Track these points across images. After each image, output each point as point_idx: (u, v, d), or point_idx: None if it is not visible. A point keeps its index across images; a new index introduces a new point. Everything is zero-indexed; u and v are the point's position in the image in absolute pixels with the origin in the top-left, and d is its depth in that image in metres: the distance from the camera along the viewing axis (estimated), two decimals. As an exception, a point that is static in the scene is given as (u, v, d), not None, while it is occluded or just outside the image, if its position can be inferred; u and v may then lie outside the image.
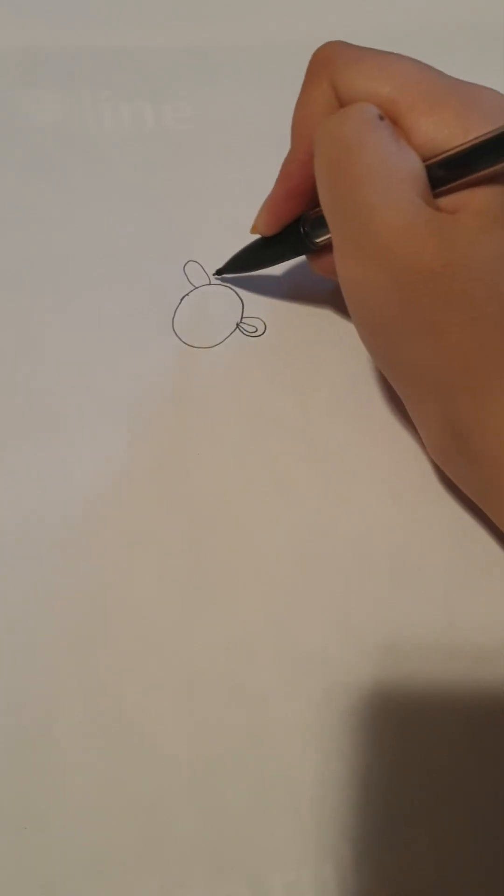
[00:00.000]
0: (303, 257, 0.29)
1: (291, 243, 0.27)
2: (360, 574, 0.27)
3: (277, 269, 0.30)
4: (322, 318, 0.31)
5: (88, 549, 0.27)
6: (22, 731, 0.25)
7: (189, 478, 0.28)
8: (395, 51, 0.24)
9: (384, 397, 0.29)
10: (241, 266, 0.30)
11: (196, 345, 0.30)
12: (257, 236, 0.29)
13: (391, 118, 0.23)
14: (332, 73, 0.24)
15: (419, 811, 0.24)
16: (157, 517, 0.27)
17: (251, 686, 0.26)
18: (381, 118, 0.22)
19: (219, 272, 0.31)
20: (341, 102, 0.24)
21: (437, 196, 0.23)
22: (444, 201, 0.23)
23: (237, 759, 0.25)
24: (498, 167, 0.21)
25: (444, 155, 0.22)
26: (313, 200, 0.26)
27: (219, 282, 0.31)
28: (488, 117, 0.22)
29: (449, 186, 0.22)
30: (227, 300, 0.31)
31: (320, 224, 0.26)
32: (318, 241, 0.27)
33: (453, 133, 0.22)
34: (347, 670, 0.26)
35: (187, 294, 0.31)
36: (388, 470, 0.28)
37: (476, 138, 0.21)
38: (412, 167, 0.22)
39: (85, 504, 0.28)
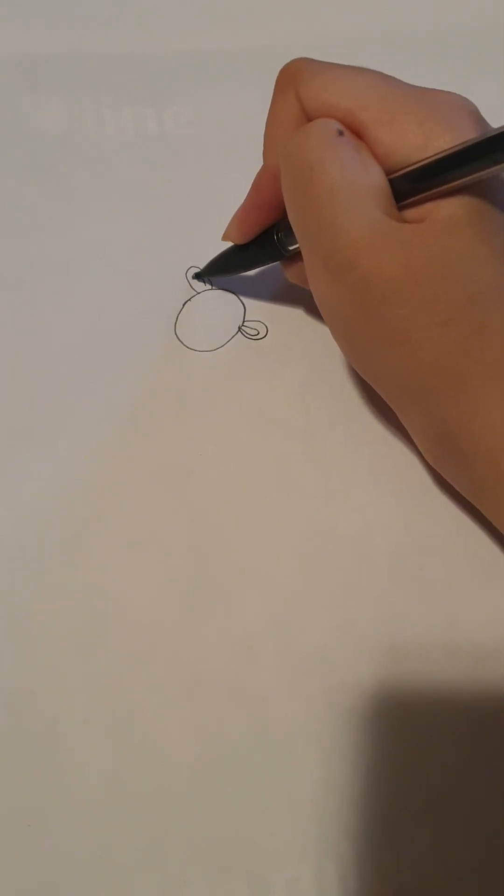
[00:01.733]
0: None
1: (266, 250, 0.28)
2: (361, 574, 0.27)
3: (278, 274, 0.30)
4: (323, 321, 0.31)
5: (91, 550, 0.27)
6: (26, 731, 0.25)
7: (191, 479, 0.28)
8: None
9: (383, 399, 0.29)
10: (219, 270, 0.31)
11: (198, 348, 0.30)
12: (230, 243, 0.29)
13: (354, 131, 0.23)
14: (297, 87, 0.24)
15: (420, 810, 0.25)
16: (159, 518, 0.28)
17: (252, 686, 0.26)
18: (342, 133, 0.23)
19: (198, 275, 0.31)
20: (307, 116, 0.24)
21: (402, 208, 0.23)
22: (411, 213, 0.23)
23: (239, 758, 0.25)
24: (460, 182, 0.21)
25: (407, 169, 0.22)
26: (283, 211, 0.26)
27: (209, 286, 0.31)
28: (448, 122, 0.22)
29: (413, 199, 0.22)
30: (228, 304, 0.31)
31: (293, 233, 0.26)
32: (290, 248, 0.27)
33: (415, 143, 0.22)
34: (348, 670, 0.26)
35: (190, 299, 0.31)
36: (388, 470, 0.28)
37: (436, 154, 0.21)
38: (374, 182, 0.22)
39: (88, 505, 0.28)
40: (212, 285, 0.31)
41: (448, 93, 0.23)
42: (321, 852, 0.24)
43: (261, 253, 0.28)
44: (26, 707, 0.26)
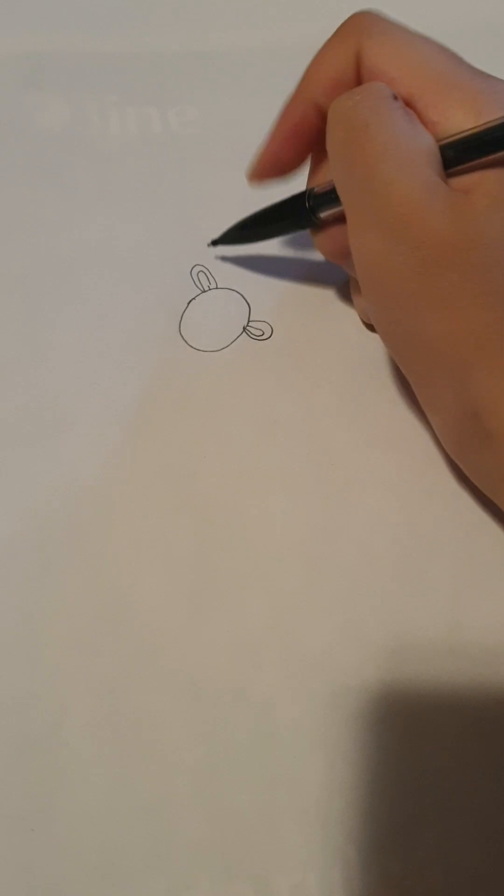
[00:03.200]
0: (305, 259, 0.29)
1: (294, 217, 0.27)
2: (366, 576, 0.27)
3: (284, 274, 0.30)
4: (329, 322, 0.31)
5: (95, 551, 0.27)
6: (29, 733, 0.25)
7: (195, 480, 0.28)
8: None
9: (390, 400, 0.29)
10: (239, 237, 0.30)
11: (203, 348, 0.30)
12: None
13: (406, 98, 0.23)
14: (359, 40, 0.24)
15: (426, 814, 0.24)
16: (164, 519, 0.28)
17: (257, 688, 0.26)
18: (395, 98, 0.23)
19: (214, 242, 0.30)
20: (363, 71, 0.24)
21: (448, 177, 0.23)
22: (455, 182, 0.23)
23: (243, 761, 0.25)
24: None
25: (457, 136, 0.23)
26: (310, 146, 0.26)
27: (213, 285, 0.31)
28: (500, 102, 0.22)
29: (459, 168, 0.23)
30: (233, 304, 0.31)
31: (326, 199, 0.26)
32: (323, 216, 0.27)
33: (466, 117, 0.22)
34: (353, 673, 0.26)
35: (194, 298, 0.31)
36: (394, 472, 0.28)
37: (487, 123, 0.22)
38: (427, 145, 0.23)
39: (91, 506, 0.28)
40: (216, 284, 0.31)
41: (502, 79, 0.24)
42: (326, 857, 0.24)
43: (287, 219, 0.28)
44: (30, 709, 0.25)
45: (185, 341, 0.30)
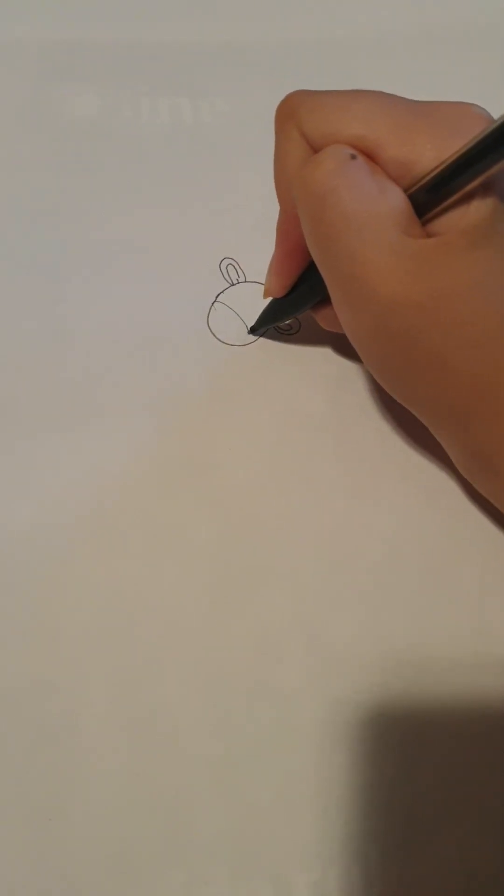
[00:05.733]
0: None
1: (311, 288, 0.27)
2: (391, 574, 0.27)
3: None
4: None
5: (116, 541, 0.27)
6: (47, 724, 0.25)
7: (220, 473, 0.28)
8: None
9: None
10: (271, 320, 0.29)
11: (230, 342, 0.30)
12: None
13: (366, 151, 0.22)
14: (298, 123, 0.23)
15: (447, 815, 0.24)
16: (187, 512, 0.27)
17: (278, 684, 0.25)
18: (354, 157, 0.22)
19: (253, 330, 0.30)
20: (314, 150, 0.23)
21: (426, 222, 0.22)
22: (435, 225, 0.22)
23: (264, 756, 0.25)
24: (476, 182, 0.20)
25: (423, 181, 0.21)
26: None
27: (241, 279, 0.31)
28: (459, 130, 0.21)
29: (435, 211, 0.22)
30: (262, 298, 0.31)
31: None
32: None
33: (429, 157, 0.21)
34: (376, 671, 0.26)
35: (223, 291, 0.31)
36: (420, 471, 0.28)
37: (449, 158, 0.21)
38: (392, 203, 0.21)
39: (114, 496, 0.28)
40: (245, 278, 0.31)
41: (456, 103, 0.22)
42: (346, 855, 0.24)
43: (309, 292, 0.27)
44: (48, 700, 0.25)
45: (213, 334, 0.30)
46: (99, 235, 0.32)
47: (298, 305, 0.28)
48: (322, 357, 0.30)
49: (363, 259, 0.21)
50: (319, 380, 0.29)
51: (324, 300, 0.27)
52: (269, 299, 0.29)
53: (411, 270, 0.21)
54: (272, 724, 0.25)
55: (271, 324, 0.30)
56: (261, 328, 0.30)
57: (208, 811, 0.24)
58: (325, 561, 0.27)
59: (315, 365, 0.30)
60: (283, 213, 0.25)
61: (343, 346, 0.30)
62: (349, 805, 0.24)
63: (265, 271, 0.31)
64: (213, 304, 0.31)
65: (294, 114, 0.23)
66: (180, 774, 0.25)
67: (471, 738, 0.25)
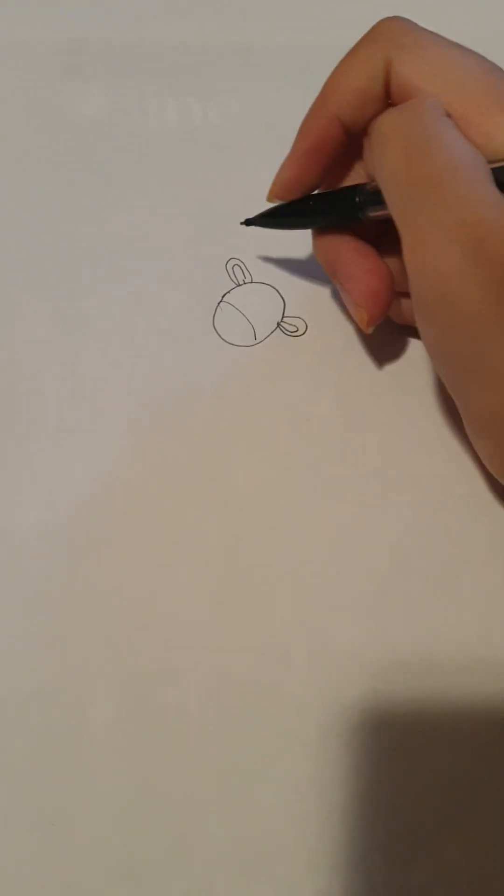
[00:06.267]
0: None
1: (339, 211, 0.26)
2: (397, 582, 0.26)
3: (319, 270, 0.30)
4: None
5: (123, 546, 0.27)
6: (52, 728, 0.25)
7: (225, 476, 0.28)
8: None
9: (427, 403, 0.29)
10: (277, 220, 0.28)
11: (236, 342, 0.30)
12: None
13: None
14: (389, 51, 0.23)
15: (454, 823, 0.24)
16: (193, 516, 0.27)
17: (284, 690, 0.25)
18: (448, 116, 0.22)
19: (248, 221, 0.29)
20: (393, 84, 0.23)
21: None
22: None
23: (269, 763, 0.24)
24: None
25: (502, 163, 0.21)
26: (333, 163, 0.25)
27: (248, 279, 0.31)
28: None
29: None
30: (268, 299, 0.30)
31: (378, 199, 0.25)
32: (372, 214, 0.26)
33: None
34: (382, 677, 0.25)
35: (229, 291, 0.31)
36: (427, 476, 0.28)
37: None
38: (485, 165, 0.21)
39: (121, 499, 0.27)
40: (251, 279, 0.31)
41: None
42: (351, 863, 0.24)
43: (331, 212, 0.27)
44: (53, 704, 0.25)
45: (219, 335, 0.30)
46: (105, 235, 0.32)
47: (308, 223, 0.28)
48: (330, 361, 0.30)
49: (473, 209, 0.20)
50: (326, 384, 0.29)
51: (366, 224, 0.26)
52: (283, 203, 0.28)
53: None
54: (278, 731, 0.25)
55: (272, 225, 0.29)
56: (259, 223, 0.29)
57: (213, 818, 0.24)
58: (332, 567, 0.27)
59: (322, 369, 0.29)
60: (317, 112, 0.25)
61: (350, 349, 0.30)
62: (354, 812, 0.24)
63: (272, 272, 0.31)
64: (219, 304, 0.30)
65: (393, 40, 0.23)
66: (185, 780, 0.24)
67: (477, 745, 0.25)
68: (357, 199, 0.26)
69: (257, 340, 0.30)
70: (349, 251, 0.27)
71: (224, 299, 0.31)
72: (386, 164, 0.23)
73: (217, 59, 0.35)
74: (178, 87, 0.34)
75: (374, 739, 0.25)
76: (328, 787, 0.24)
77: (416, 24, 0.24)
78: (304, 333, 0.30)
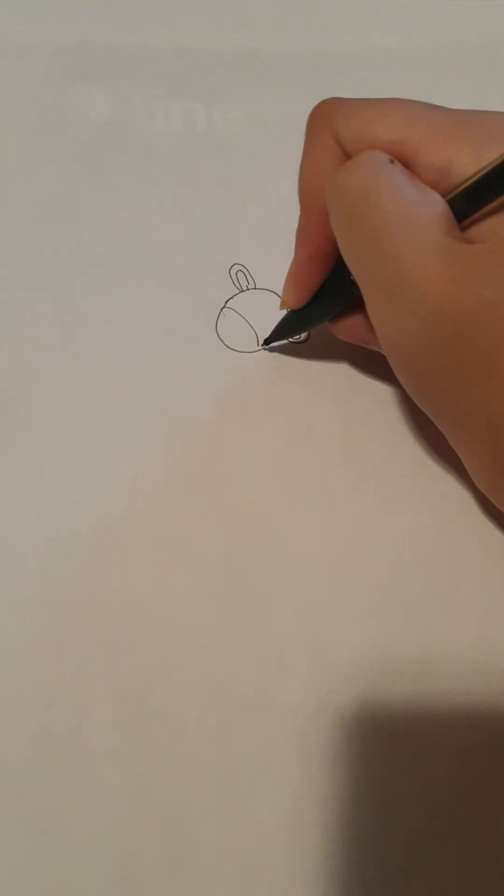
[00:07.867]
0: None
1: (334, 297, 0.26)
2: (397, 588, 0.26)
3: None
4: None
5: (123, 552, 0.27)
6: (49, 734, 0.25)
7: (226, 483, 0.28)
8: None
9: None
10: (287, 332, 0.29)
11: (239, 349, 0.30)
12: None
13: (401, 158, 0.22)
14: (333, 128, 0.23)
15: (451, 833, 0.24)
16: (194, 522, 0.27)
17: (283, 698, 0.25)
18: (392, 162, 0.21)
19: (266, 342, 0.30)
20: (349, 151, 0.23)
21: (464, 229, 0.22)
22: (473, 232, 0.22)
23: (267, 771, 0.24)
24: None
25: (463, 186, 0.21)
26: (335, 261, 0.25)
27: (250, 286, 0.31)
28: (497, 138, 0.21)
29: (473, 217, 0.21)
30: (271, 305, 0.30)
31: None
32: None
33: (468, 163, 0.21)
34: (381, 685, 0.25)
35: (232, 297, 0.31)
36: (428, 483, 0.28)
37: (490, 164, 0.20)
38: (433, 206, 0.21)
39: (121, 506, 0.27)
40: (255, 285, 0.31)
41: (495, 112, 0.22)
42: (347, 874, 0.23)
43: (330, 298, 0.26)
44: (51, 709, 0.25)
45: (222, 341, 0.30)
46: (108, 239, 0.31)
47: (318, 317, 0.27)
48: (331, 366, 0.30)
49: (411, 261, 0.20)
50: (327, 391, 0.29)
51: (342, 311, 0.26)
52: (285, 312, 0.28)
53: (463, 275, 0.20)
54: (276, 738, 0.25)
55: (287, 336, 0.29)
56: (275, 341, 0.30)
57: (210, 826, 0.24)
58: (333, 573, 0.27)
59: (323, 376, 0.29)
60: (305, 218, 0.25)
61: (353, 356, 0.30)
62: (351, 820, 0.24)
63: (275, 278, 0.31)
64: (221, 310, 0.30)
65: (329, 119, 0.23)
66: (182, 788, 0.24)
67: (475, 752, 0.25)
68: (349, 277, 0.25)
69: (259, 347, 0.30)
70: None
71: (227, 305, 0.30)
72: (334, 225, 0.23)
73: (222, 64, 0.35)
74: (183, 91, 0.34)
75: (371, 746, 0.25)
76: (325, 794, 0.24)
77: (346, 98, 0.24)
78: (306, 341, 0.30)
